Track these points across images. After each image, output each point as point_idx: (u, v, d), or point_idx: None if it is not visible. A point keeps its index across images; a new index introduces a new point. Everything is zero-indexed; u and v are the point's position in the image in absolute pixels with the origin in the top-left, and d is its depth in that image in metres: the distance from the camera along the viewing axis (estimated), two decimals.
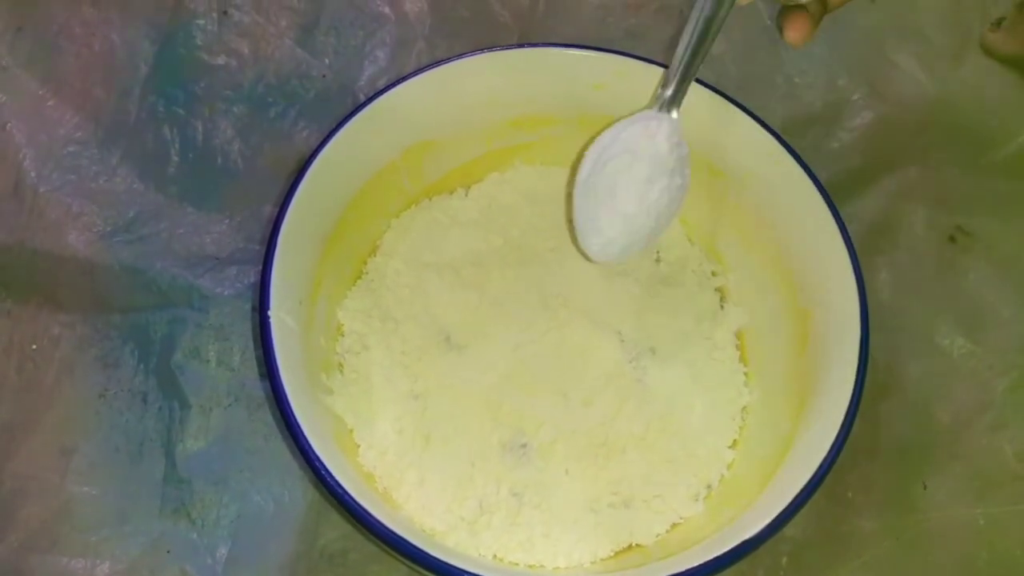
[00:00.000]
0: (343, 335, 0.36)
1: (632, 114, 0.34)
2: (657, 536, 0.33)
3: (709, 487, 0.34)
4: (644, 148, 0.33)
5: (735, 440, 0.35)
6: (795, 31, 0.32)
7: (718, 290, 0.39)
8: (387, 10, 0.45)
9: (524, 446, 0.34)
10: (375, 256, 0.39)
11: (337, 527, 0.34)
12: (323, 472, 0.27)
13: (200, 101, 0.42)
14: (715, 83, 0.36)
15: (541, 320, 0.37)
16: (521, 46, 0.38)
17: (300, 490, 0.35)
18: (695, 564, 0.26)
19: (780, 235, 0.36)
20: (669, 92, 0.33)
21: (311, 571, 0.33)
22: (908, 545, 0.34)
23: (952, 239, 0.42)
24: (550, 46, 0.37)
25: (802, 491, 0.28)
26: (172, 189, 0.40)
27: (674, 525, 0.33)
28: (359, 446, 0.33)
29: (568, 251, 0.39)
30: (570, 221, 0.37)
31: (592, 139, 0.35)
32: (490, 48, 0.37)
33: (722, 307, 0.39)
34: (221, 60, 0.43)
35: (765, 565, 0.34)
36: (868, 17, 0.48)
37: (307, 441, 0.27)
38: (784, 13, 0.32)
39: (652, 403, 0.35)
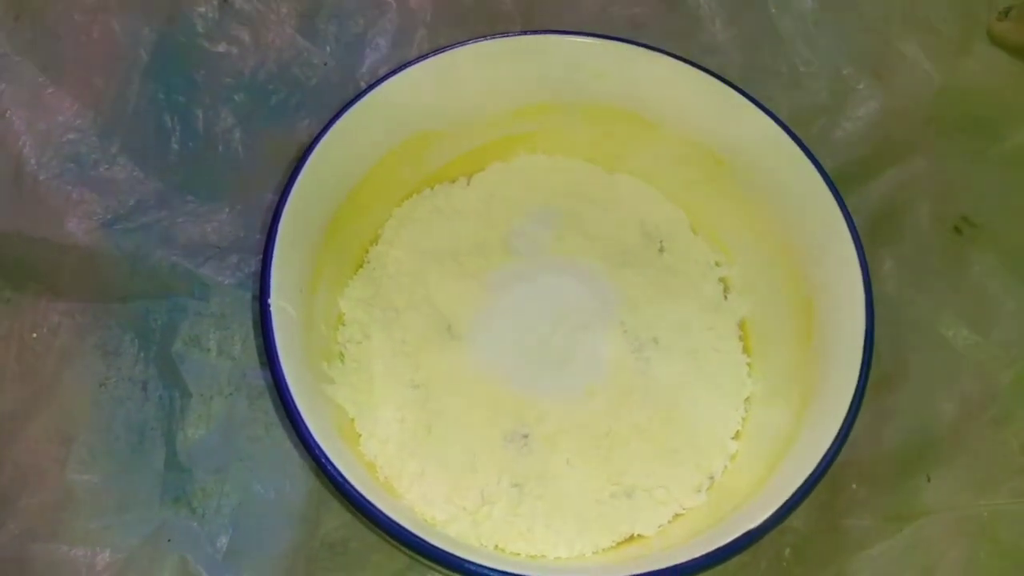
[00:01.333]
0: (344, 324, 0.36)
1: None
2: (659, 527, 0.33)
3: (712, 478, 0.34)
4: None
5: (738, 431, 0.35)
6: None
7: (722, 280, 0.39)
8: None
9: (526, 436, 0.34)
10: (376, 245, 0.38)
11: (338, 516, 0.34)
12: (325, 462, 0.27)
13: (200, 89, 0.42)
14: (719, 72, 0.36)
15: (543, 310, 0.37)
16: (523, 34, 0.37)
17: (301, 479, 0.34)
18: (698, 555, 0.26)
19: (785, 225, 0.35)
20: None
21: (312, 560, 0.33)
22: (912, 537, 0.34)
23: (957, 230, 0.41)
24: (552, 33, 0.37)
25: (805, 482, 0.28)
26: (173, 177, 0.40)
27: (676, 516, 0.33)
28: (360, 435, 0.33)
29: (570, 241, 0.39)
30: None
31: None
32: (492, 36, 0.37)
33: (726, 297, 0.39)
34: (222, 48, 0.43)
35: (768, 556, 0.34)
36: (874, 6, 0.47)
37: (309, 431, 0.27)
38: None
39: (655, 394, 0.35)
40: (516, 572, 0.26)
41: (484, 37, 0.36)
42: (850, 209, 0.33)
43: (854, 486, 0.35)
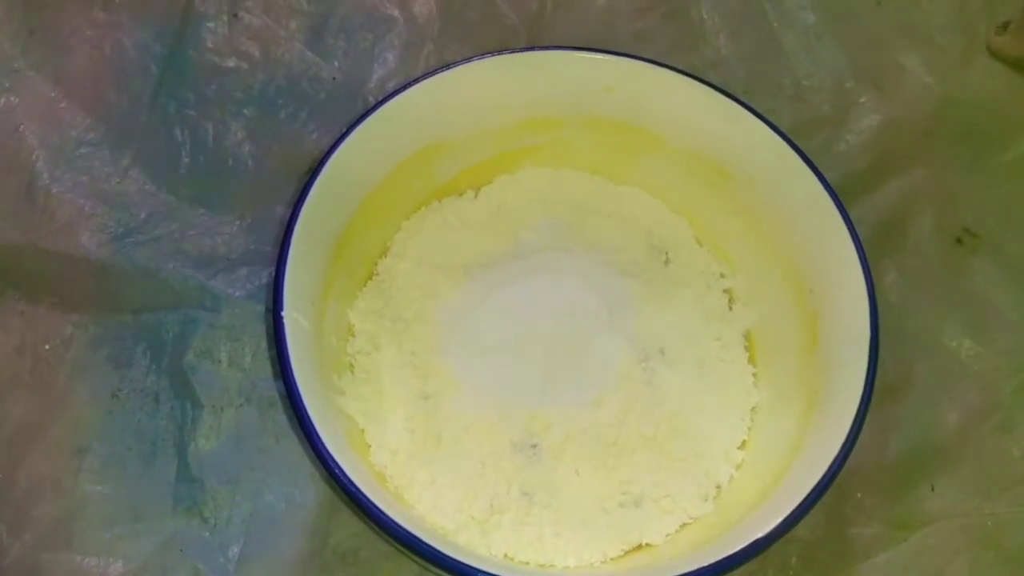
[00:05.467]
0: (354, 336, 0.36)
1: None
2: (667, 536, 0.33)
3: (719, 487, 0.34)
4: None
5: (744, 440, 0.35)
6: None
7: (727, 291, 0.39)
8: (396, 13, 0.45)
9: (534, 446, 0.34)
10: (385, 257, 0.39)
11: (348, 526, 0.34)
12: (338, 472, 0.27)
13: (211, 103, 0.42)
14: (722, 85, 0.37)
15: (550, 321, 0.37)
16: (529, 49, 0.38)
17: (311, 489, 0.35)
18: (705, 564, 0.27)
19: (789, 236, 0.36)
20: None
21: (323, 569, 0.33)
22: (917, 545, 0.34)
23: (959, 241, 0.42)
24: (558, 49, 0.38)
25: (812, 492, 0.28)
26: (183, 191, 0.40)
27: (684, 525, 0.33)
28: (370, 446, 0.34)
29: (577, 253, 0.39)
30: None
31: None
32: (499, 51, 0.37)
33: (731, 308, 0.39)
34: (231, 62, 0.43)
35: (775, 565, 0.34)
36: (874, 19, 0.48)
37: (322, 441, 0.28)
38: None
39: (661, 404, 0.35)
40: None
41: (491, 53, 0.37)
42: (853, 220, 0.33)
43: (859, 495, 0.36)
